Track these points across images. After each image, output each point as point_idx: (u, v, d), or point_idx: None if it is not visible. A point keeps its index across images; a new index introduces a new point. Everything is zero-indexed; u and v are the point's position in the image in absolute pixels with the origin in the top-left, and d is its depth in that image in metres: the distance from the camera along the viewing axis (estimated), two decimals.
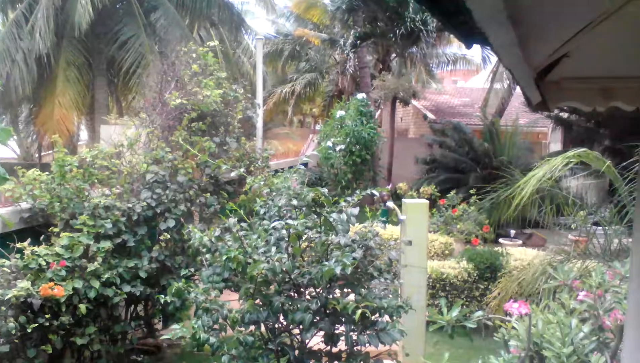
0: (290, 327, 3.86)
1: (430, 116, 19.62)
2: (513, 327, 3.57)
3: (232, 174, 4.50)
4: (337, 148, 13.11)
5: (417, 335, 5.69)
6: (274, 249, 3.60)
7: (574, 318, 3.47)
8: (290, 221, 3.48)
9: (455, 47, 23.62)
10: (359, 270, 3.89)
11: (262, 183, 4.92)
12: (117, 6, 16.36)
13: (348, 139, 13.45)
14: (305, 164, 17.91)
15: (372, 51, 21.71)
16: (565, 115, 12.34)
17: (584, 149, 5.50)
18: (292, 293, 3.87)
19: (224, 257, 3.48)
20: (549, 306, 3.79)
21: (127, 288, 5.06)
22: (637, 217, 2.01)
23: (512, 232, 10.47)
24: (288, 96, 24.86)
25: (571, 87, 1.78)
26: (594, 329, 3.38)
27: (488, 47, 1.39)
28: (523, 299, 5.35)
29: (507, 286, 6.07)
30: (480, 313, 3.55)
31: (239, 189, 6.78)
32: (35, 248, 4.61)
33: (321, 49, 24.84)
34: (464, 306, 7.87)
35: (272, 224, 3.62)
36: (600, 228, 5.76)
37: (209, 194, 5.90)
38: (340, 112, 13.95)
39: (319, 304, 3.55)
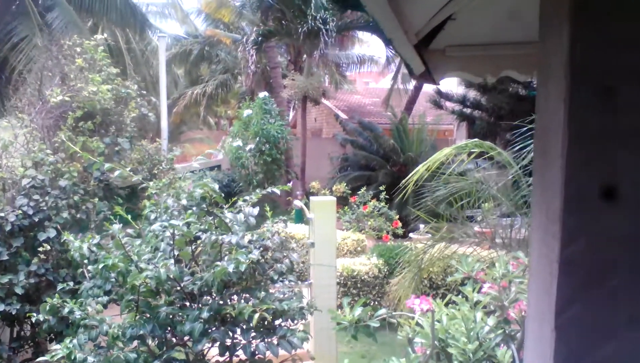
0: (186, 339, 3.52)
1: (342, 115, 19.73)
2: (417, 324, 3.44)
3: (115, 174, 4.06)
4: (247, 148, 12.72)
5: (328, 335, 5.48)
6: (159, 255, 3.25)
7: (478, 312, 3.37)
8: (173, 222, 3.13)
9: (362, 47, 24.00)
10: (257, 272, 3.62)
11: (163, 185, 4.51)
12: (12, 6, 15.07)
13: (257, 138, 13.14)
14: (219, 166, 17.41)
15: (284, 52, 21.59)
16: (468, 110, 12.70)
17: (476, 139, 5.59)
18: (187, 303, 3.53)
19: (101, 266, 3.08)
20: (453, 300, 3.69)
21: (0, 307, 4.50)
22: (534, 207, 1.89)
23: (422, 227, 10.58)
24: (199, 98, 23.99)
25: (458, 55, 1.56)
26: (500, 322, 3.26)
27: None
28: (425, 292, 5.34)
29: (406, 277, 6.06)
30: (383, 311, 3.38)
31: (142, 194, 6.33)
32: None
33: (232, 49, 24.30)
34: (375, 303, 7.80)
35: (152, 227, 3.25)
36: (505, 219, 5.86)
37: (97, 199, 5.39)
38: (247, 111, 13.58)
39: (212, 312, 3.24)
